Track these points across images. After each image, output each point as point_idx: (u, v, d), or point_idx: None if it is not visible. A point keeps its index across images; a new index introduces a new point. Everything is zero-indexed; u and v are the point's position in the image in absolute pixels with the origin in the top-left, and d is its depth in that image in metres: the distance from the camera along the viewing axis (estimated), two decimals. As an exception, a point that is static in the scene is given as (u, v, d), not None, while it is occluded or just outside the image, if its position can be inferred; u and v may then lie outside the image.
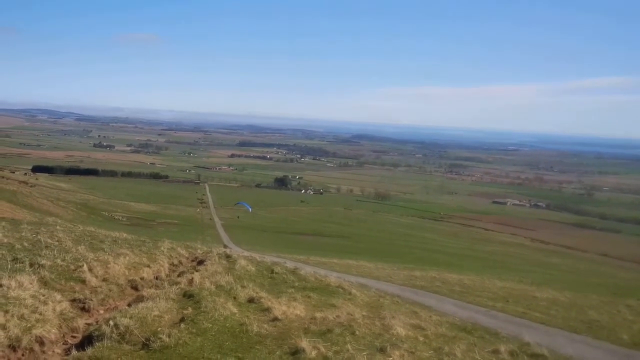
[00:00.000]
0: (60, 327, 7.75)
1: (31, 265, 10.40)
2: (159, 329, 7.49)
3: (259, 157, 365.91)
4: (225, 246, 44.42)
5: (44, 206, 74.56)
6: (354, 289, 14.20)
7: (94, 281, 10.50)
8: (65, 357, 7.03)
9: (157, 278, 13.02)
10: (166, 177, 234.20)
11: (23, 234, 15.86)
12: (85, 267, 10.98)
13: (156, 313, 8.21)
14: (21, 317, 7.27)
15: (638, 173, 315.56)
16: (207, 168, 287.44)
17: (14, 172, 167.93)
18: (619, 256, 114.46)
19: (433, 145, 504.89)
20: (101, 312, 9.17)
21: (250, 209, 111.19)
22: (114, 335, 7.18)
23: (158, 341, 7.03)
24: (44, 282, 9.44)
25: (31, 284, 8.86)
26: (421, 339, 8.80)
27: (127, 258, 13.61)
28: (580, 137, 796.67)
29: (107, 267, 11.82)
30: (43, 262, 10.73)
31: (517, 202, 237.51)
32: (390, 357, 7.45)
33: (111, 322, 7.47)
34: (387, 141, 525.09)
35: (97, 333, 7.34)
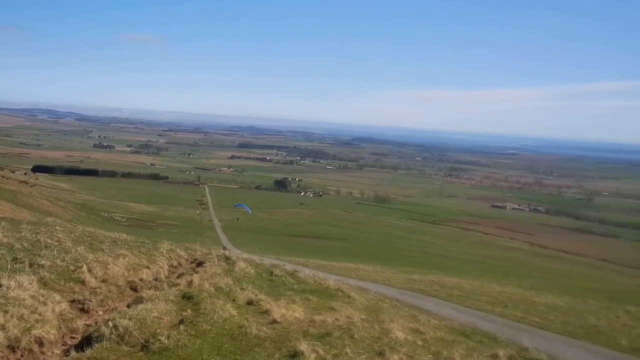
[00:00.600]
0: (60, 327, 7.74)
1: (31, 265, 10.40)
2: (158, 331, 7.48)
3: (258, 159, 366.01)
4: (224, 248, 44.47)
5: (44, 206, 74.51)
6: (353, 292, 14.21)
7: (93, 282, 10.50)
8: (64, 358, 7.02)
9: (156, 279, 13.01)
10: (166, 178, 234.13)
11: (23, 234, 15.86)
12: (84, 268, 10.98)
13: (155, 315, 8.21)
14: (20, 318, 7.26)
15: (638, 178, 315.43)
16: (207, 169, 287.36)
17: (14, 172, 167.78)
18: (618, 261, 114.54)
19: (433, 149, 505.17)
20: (100, 313, 9.17)
21: (250, 211, 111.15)
22: (113, 336, 7.18)
23: (157, 343, 7.03)
24: (43, 283, 9.44)
25: (31, 284, 8.85)
26: (420, 343, 8.80)
27: (127, 259, 13.61)
28: (580, 141, 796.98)
29: (106, 268, 11.82)
30: (42, 262, 10.73)
31: (517, 206, 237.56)
32: (389, 360, 7.45)
33: (110, 324, 7.46)
34: (387, 144, 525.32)
35: (96, 334, 7.33)
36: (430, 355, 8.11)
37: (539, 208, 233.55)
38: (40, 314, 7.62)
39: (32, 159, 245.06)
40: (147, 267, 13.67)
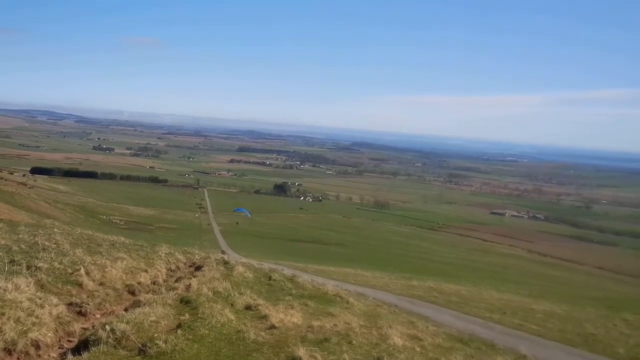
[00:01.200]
0: (57, 331, 7.72)
1: (28, 267, 10.38)
2: (155, 335, 7.46)
3: (258, 163, 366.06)
4: (223, 252, 44.44)
5: (42, 208, 74.45)
6: (352, 297, 14.18)
7: (91, 285, 10.48)
8: (61, 362, 7.01)
9: (154, 283, 12.99)
10: (165, 181, 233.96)
11: (20, 236, 15.83)
12: (82, 271, 10.95)
13: (153, 319, 8.18)
14: (17, 320, 7.24)
15: (636, 186, 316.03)
16: (207, 173, 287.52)
17: (12, 173, 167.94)
18: (616, 269, 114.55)
19: (433, 155, 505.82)
20: (98, 316, 9.14)
21: (249, 215, 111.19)
22: (110, 340, 7.15)
23: (154, 347, 7.00)
24: (40, 285, 9.41)
25: (28, 286, 8.82)
26: (418, 349, 8.78)
27: (125, 262, 13.58)
28: (579, 149, 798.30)
29: (104, 271, 11.80)
30: (40, 264, 10.70)
31: (516, 213, 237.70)
32: (387, 367, 7.43)
33: (107, 327, 7.43)
34: (387, 149, 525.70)
35: (93, 338, 7.31)
36: (428, 362, 8.08)
37: (537, 215, 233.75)
38: (37, 317, 7.59)
39: (31, 160, 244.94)
40: (145, 271, 13.64)
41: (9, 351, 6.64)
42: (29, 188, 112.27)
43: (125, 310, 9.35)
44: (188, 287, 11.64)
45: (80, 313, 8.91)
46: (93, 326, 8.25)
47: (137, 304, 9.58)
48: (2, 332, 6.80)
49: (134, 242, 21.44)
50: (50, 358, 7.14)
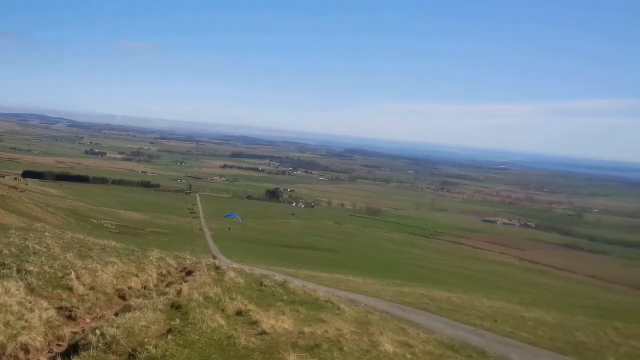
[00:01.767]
0: (46, 335, 7.68)
1: (18, 271, 10.32)
2: (146, 340, 7.43)
3: (251, 169, 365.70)
4: (214, 257, 44.27)
5: (33, 212, 73.98)
6: (343, 304, 14.18)
7: (81, 289, 10.43)
8: (50, 366, 6.97)
9: (145, 288, 12.95)
10: (157, 186, 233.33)
11: (11, 239, 15.75)
12: (73, 275, 10.91)
13: (143, 324, 8.16)
14: (7, 324, 7.20)
15: (628, 196, 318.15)
16: (199, 178, 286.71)
17: (4, 177, 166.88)
18: (607, 278, 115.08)
19: (425, 162, 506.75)
20: (88, 321, 9.10)
21: (240, 219, 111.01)
22: (100, 345, 7.12)
23: (145, 352, 6.98)
24: (31, 289, 9.37)
25: (18, 290, 8.78)
26: (409, 356, 8.79)
27: (116, 267, 13.53)
28: (571, 158, 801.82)
29: (95, 276, 11.75)
30: (31, 268, 10.65)
31: (507, 221, 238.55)
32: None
33: (98, 332, 7.41)
34: (379, 156, 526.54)
35: (83, 342, 7.28)
36: (419, 369, 8.09)
37: (529, 223, 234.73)
38: (27, 321, 7.55)
39: (22, 164, 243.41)
40: (137, 276, 13.59)
41: (-2, 355, 6.61)
42: (21, 192, 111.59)
43: (116, 315, 9.31)
44: (179, 292, 11.61)
45: (70, 317, 8.87)
46: (83, 331, 8.22)
47: (127, 309, 9.54)
48: (-9, 336, 6.76)
49: (126, 247, 21.36)
50: (40, 362, 7.10)
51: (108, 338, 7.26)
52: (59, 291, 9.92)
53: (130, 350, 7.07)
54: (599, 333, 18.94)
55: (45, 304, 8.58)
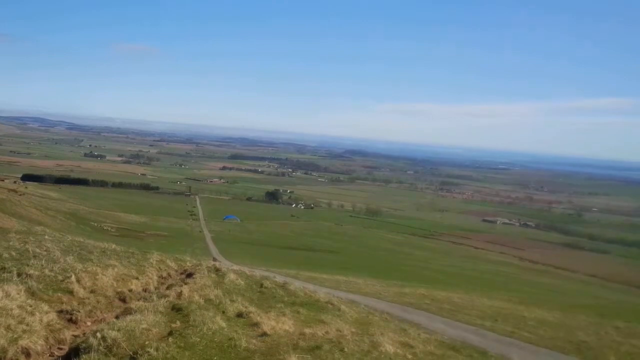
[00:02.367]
0: (47, 338, 7.69)
1: (19, 275, 10.33)
2: (146, 343, 7.43)
3: (250, 170, 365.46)
4: (214, 259, 44.32)
5: (33, 215, 73.97)
6: (343, 305, 14.17)
7: (81, 292, 10.43)
8: (51, 369, 6.97)
9: (145, 290, 12.95)
10: (157, 188, 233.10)
11: (11, 243, 15.75)
12: (73, 278, 10.91)
13: (144, 326, 8.16)
14: (7, 328, 7.21)
15: (628, 195, 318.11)
16: (198, 180, 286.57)
17: (3, 180, 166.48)
18: (607, 277, 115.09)
19: (425, 162, 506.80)
20: (88, 324, 9.10)
21: (238, 220, 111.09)
22: (101, 347, 7.12)
23: (146, 355, 6.98)
24: (31, 293, 9.37)
25: (18, 294, 8.79)
26: (410, 357, 8.79)
27: (116, 270, 13.53)
28: (570, 157, 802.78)
29: (95, 279, 11.75)
30: (31, 272, 10.65)
31: (507, 221, 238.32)
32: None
33: (98, 335, 7.41)
34: (379, 157, 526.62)
35: (84, 345, 7.28)
36: (420, 370, 8.09)
37: (529, 223, 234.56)
38: (27, 325, 7.56)
39: (22, 167, 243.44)
40: (137, 278, 13.60)
41: (-2, 359, 6.61)
42: (20, 195, 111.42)
43: (117, 317, 9.31)
44: (179, 294, 11.60)
45: (71, 320, 8.87)
46: (84, 334, 8.22)
47: (128, 312, 9.54)
48: (-9, 339, 6.76)
49: (125, 250, 21.33)
50: (41, 366, 7.10)
51: (109, 341, 7.26)
52: (59, 294, 9.92)
53: (131, 353, 7.07)
54: (600, 332, 18.93)
55: (45, 307, 8.59)
